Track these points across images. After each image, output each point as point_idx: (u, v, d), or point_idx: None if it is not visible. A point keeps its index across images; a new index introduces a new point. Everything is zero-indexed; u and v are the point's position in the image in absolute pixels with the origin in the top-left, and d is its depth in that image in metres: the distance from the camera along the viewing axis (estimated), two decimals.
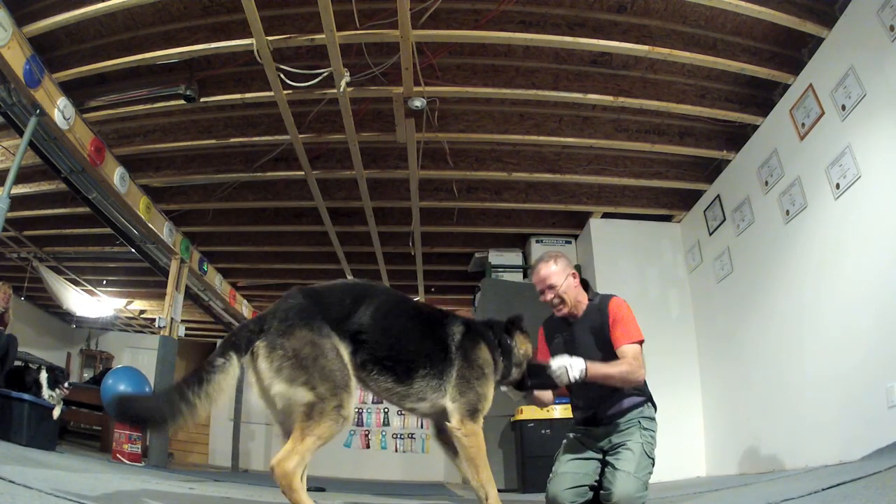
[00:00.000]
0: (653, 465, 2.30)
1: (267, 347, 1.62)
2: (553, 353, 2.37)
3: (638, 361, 2.26)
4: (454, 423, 1.82)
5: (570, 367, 2.15)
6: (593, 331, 2.41)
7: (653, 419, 2.37)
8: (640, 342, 2.31)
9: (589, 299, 2.49)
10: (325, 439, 1.56)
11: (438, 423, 1.97)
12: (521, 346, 2.15)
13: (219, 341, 1.87)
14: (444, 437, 1.97)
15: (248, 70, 4.19)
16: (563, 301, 2.45)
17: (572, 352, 2.31)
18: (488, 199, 5.65)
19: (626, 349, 2.28)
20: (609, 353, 2.32)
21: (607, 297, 2.45)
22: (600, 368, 2.20)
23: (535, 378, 2.21)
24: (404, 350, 1.80)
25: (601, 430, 2.40)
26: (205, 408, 1.53)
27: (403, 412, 2.11)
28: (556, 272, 2.45)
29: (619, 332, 2.32)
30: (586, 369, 2.15)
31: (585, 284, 2.54)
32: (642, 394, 2.38)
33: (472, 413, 1.83)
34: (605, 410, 2.38)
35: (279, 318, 1.66)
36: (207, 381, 1.53)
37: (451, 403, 1.82)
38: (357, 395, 1.67)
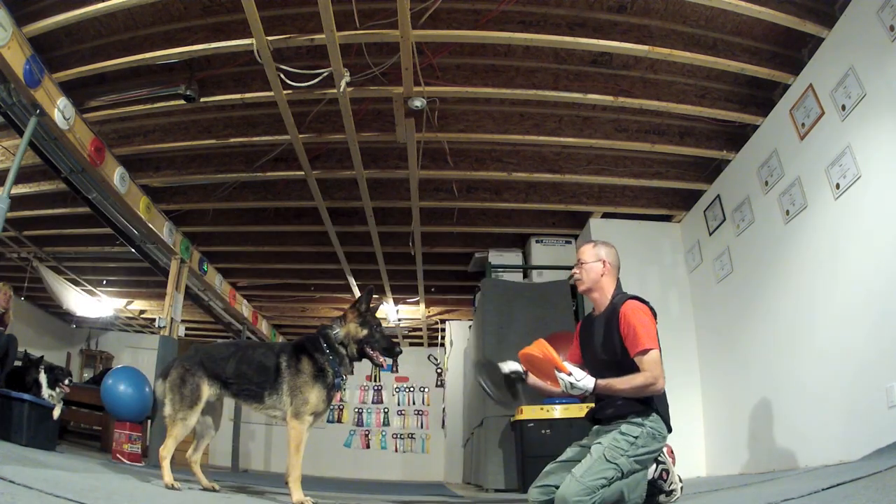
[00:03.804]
0: (616, 470, 2.14)
1: (167, 375, 2.69)
2: (581, 347, 2.55)
3: (655, 372, 2.16)
4: (287, 419, 2.47)
5: (574, 382, 2.21)
6: (604, 329, 2.39)
7: (639, 426, 2.21)
8: (656, 349, 2.21)
9: (613, 297, 2.45)
10: (179, 436, 2.54)
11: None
12: (344, 331, 2.57)
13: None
14: None
15: (248, 70, 4.19)
16: (581, 278, 2.51)
17: (589, 347, 2.43)
18: (488, 199, 5.65)
19: (643, 359, 2.19)
20: (612, 354, 2.31)
21: (624, 298, 2.38)
22: (613, 384, 2.20)
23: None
24: (254, 383, 2.56)
25: (595, 429, 2.42)
26: None
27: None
28: (588, 251, 2.53)
29: (631, 340, 2.24)
30: (594, 387, 2.21)
31: (618, 285, 2.53)
32: (642, 401, 2.24)
33: (296, 414, 2.43)
34: (604, 410, 2.38)
35: (177, 362, 2.71)
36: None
37: (287, 407, 2.47)
38: (198, 413, 2.57)
